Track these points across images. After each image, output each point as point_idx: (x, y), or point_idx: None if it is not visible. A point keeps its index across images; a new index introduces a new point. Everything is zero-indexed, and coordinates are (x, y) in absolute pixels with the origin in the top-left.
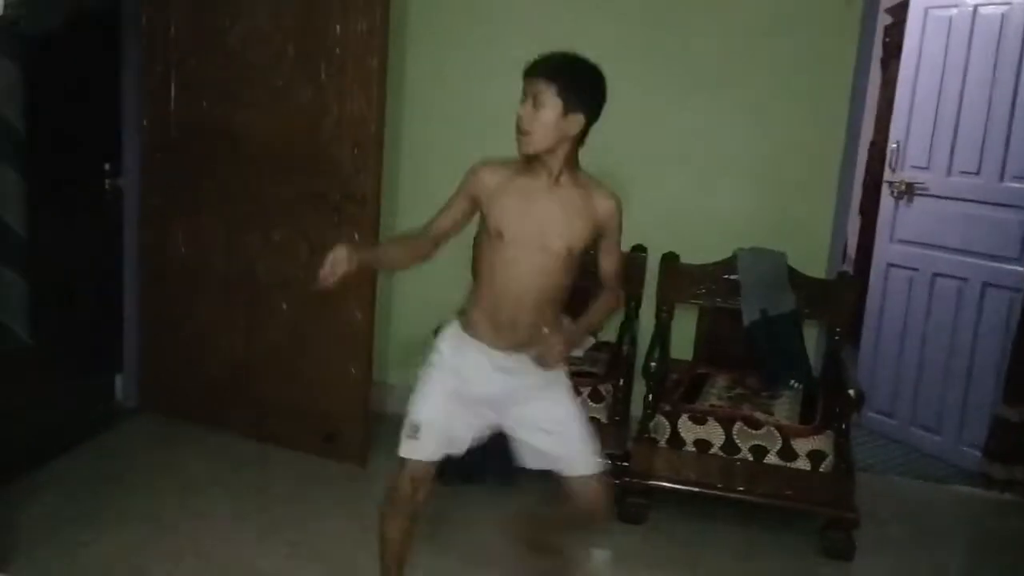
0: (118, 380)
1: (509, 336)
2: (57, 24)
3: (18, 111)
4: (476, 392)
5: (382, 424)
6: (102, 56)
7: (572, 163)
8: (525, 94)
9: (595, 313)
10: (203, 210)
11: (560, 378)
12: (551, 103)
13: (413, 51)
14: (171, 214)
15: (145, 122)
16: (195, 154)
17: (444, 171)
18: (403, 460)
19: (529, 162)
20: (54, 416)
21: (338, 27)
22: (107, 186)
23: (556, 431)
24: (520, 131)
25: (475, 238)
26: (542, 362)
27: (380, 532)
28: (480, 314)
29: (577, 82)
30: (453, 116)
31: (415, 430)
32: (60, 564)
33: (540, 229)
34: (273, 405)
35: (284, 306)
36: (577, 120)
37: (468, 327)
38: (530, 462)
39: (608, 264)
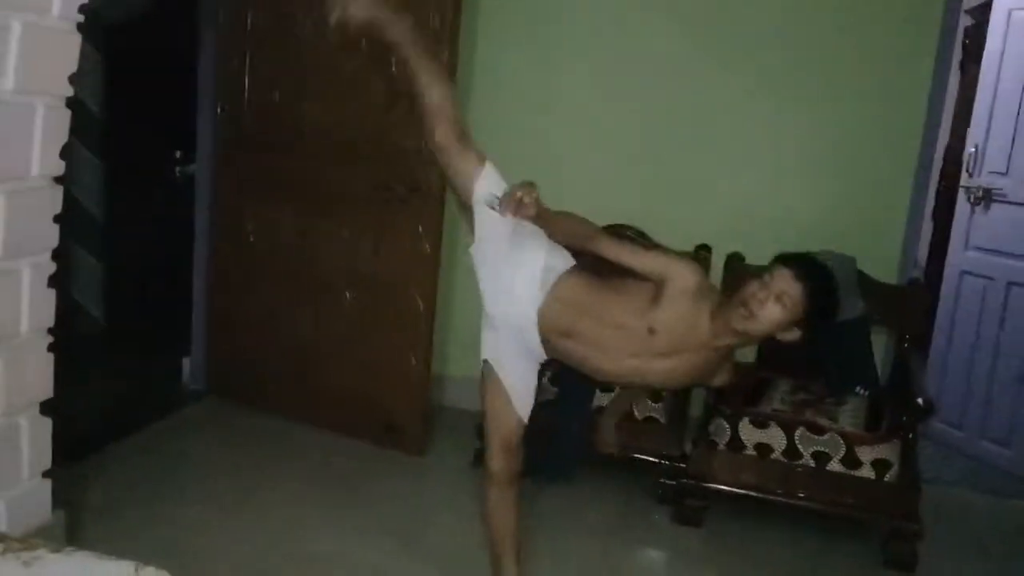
0: (186, 363)
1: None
2: (136, 13)
3: (98, 98)
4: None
5: (441, 416)
6: (179, 45)
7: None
8: (771, 279)
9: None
10: (272, 199)
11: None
12: (791, 313)
13: (482, 47)
14: (241, 202)
15: (219, 111)
16: (266, 143)
17: (507, 165)
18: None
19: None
20: (124, 396)
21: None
22: (177, 173)
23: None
24: (747, 307)
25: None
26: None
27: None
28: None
29: (821, 309)
30: (518, 111)
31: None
32: (125, 541)
33: (667, 353)
34: (335, 394)
35: (348, 296)
36: (793, 334)
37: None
38: None
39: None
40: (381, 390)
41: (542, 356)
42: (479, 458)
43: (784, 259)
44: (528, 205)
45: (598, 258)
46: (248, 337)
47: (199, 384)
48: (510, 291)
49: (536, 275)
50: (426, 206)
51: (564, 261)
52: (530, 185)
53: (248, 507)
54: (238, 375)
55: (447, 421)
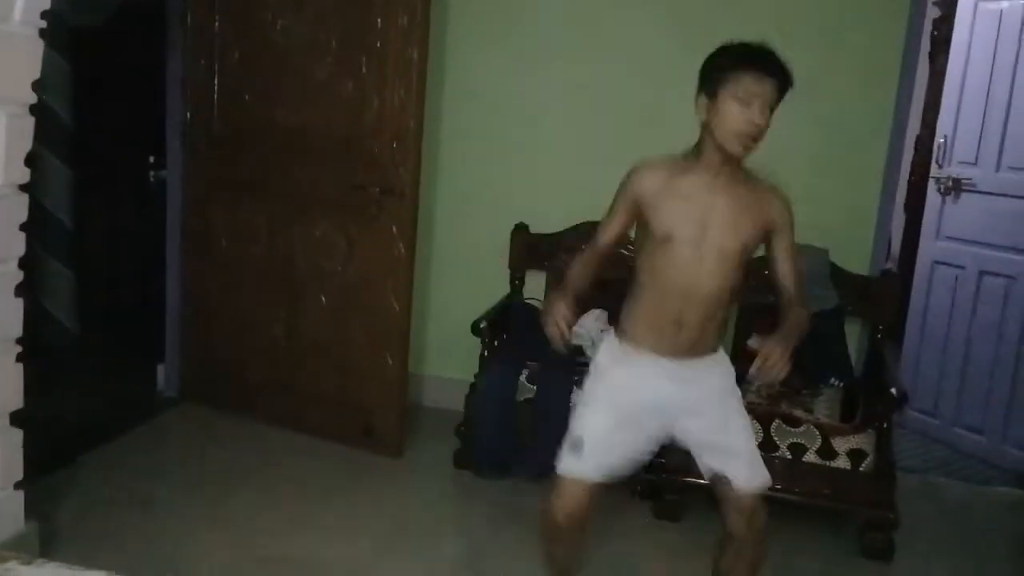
0: (160, 370)
1: (674, 337)
2: (103, 17)
3: (66, 104)
4: (643, 399)
5: (420, 416)
6: (147, 49)
7: (733, 159)
8: (751, 96)
9: (790, 330)
10: (245, 203)
11: (734, 390)
12: (771, 112)
13: (453, 45)
14: (213, 207)
15: (188, 115)
16: (237, 147)
17: (483, 166)
18: (560, 479)
19: (691, 159)
20: (98, 405)
21: (379, 20)
22: (151, 178)
23: (726, 442)
24: (753, 140)
25: (635, 243)
26: (762, 376)
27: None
28: (643, 322)
29: (787, 90)
30: (493, 110)
31: (578, 445)
32: (102, 551)
33: (713, 228)
34: (311, 396)
35: (323, 298)
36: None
37: (629, 339)
38: (704, 470)
39: (785, 269)
40: (357, 392)
41: None
42: (458, 458)
43: (760, 65)
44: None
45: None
46: (222, 342)
47: (173, 391)
48: None
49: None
50: (400, 207)
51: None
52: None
53: (224, 513)
54: (213, 381)
55: (425, 421)
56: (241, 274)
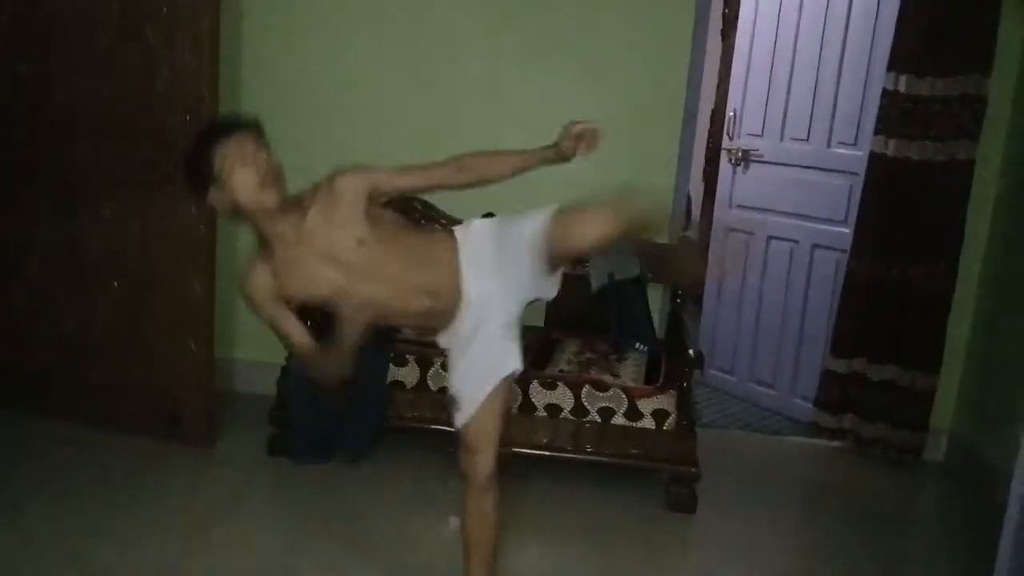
0: None
1: (437, 317)
2: None
3: None
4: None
5: (232, 403)
6: None
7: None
8: (240, 156)
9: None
10: (20, 186)
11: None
12: (266, 150)
13: (251, 12)
14: None
15: None
16: (11, 122)
17: (289, 138)
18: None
19: (263, 246)
20: None
21: None
22: None
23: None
24: (274, 180)
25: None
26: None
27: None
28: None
29: (257, 128)
30: (297, 79)
31: (454, 402)
32: None
33: (332, 258)
34: (109, 388)
35: (117, 284)
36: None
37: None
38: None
39: (417, 179)
40: (160, 381)
41: None
42: (272, 445)
43: (236, 132)
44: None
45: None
46: (11, 337)
47: None
48: None
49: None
50: None
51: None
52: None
53: (12, 523)
54: (2, 379)
55: (238, 409)
56: (22, 264)
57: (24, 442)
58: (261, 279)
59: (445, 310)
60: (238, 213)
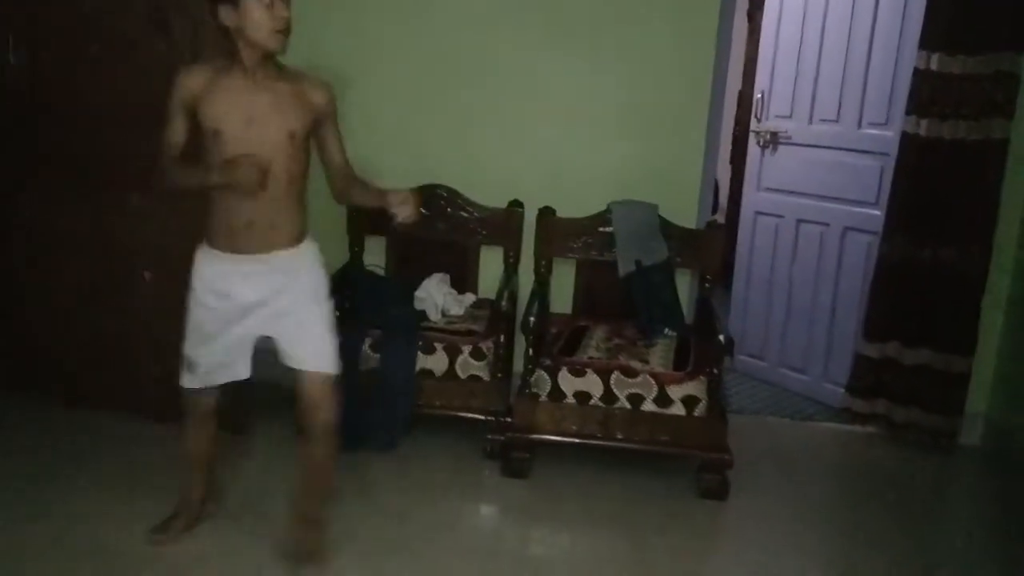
0: None
1: (248, 236)
2: None
3: None
4: (238, 303)
5: (264, 393)
6: None
7: (268, 58)
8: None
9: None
10: (51, 176)
11: (312, 278)
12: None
13: None
14: (15, 181)
15: None
16: (38, 114)
17: None
18: (186, 390)
19: (229, 63)
20: None
21: None
22: None
23: (297, 324)
24: (286, 33)
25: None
26: (403, 212)
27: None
28: (218, 223)
29: None
30: (323, 70)
31: (192, 365)
32: None
33: (257, 122)
34: (141, 377)
35: (146, 274)
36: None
37: (210, 241)
38: (283, 358)
39: (337, 153)
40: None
41: None
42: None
43: None
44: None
45: None
46: (40, 330)
47: None
48: None
49: None
50: None
51: None
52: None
53: (52, 509)
54: (33, 369)
55: (270, 398)
56: (52, 253)
57: (57, 431)
58: (194, 81)
59: (241, 244)
60: (233, 36)
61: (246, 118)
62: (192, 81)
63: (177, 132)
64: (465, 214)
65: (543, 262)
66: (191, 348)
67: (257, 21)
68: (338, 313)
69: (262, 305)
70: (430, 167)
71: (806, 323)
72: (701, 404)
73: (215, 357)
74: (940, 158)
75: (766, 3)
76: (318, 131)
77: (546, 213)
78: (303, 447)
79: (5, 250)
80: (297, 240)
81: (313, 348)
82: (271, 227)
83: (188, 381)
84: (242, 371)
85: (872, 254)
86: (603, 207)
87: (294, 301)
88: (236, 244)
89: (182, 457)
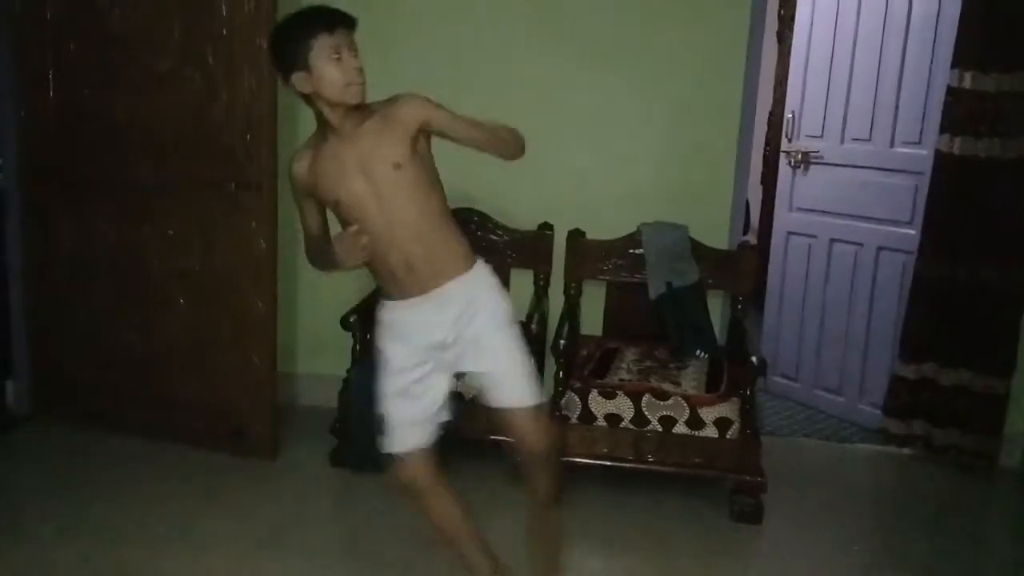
0: (9, 386)
1: (413, 278)
2: None
3: None
4: (425, 345)
5: (294, 416)
6: None
7: (352, 109)
8: (337, 49)
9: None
10: (89, 204)
11: (491, 303)
12: (355, 50)
13: None
14: (55, 208)
15: (23, 112)
16: (78, 144)
17: None
18: (393, 458)
19: (320, 131)
20: None
21: (224, 7)
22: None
23: (495, 362)
24: (361, 83)
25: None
26: None
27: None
28: (382, 274)
29: (355, 26)
30: None
31: (388, 428)
32: None
33: (364, 171)
34: (176, 403)
35: (181, 300)
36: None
37: (386, 294)
38: (486, 397)
39: (463, 131)
40: (225, 395)
41: None
42: (334, 456)
43: (334, 23)
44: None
45: None
46: (75, 352)
47: (25, 407)
48: None
49: None
50: (258, 202)
51: None
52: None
53: (87, 531)
54: (67, 394)
55: (299, 421)
56: (91, 279)
57: (90, 456)
58: (300, 167)
59: (427, 275)
60: (313, 100)
61: (354, 175)
62: (299, 168)
63: (309, 218)
64: (495, 237)
65: (573, 284)
66: (388, 408)
67: (330, 79)
68: (367, 337)
69: (449, 345)
70: (463, 191)
71: (840, 343)
72: (734, 426)
73: (412, 413)
74: (975, 177)
75: (796, 23)
76: (433, 132)
77: (576, 235)
78: (528, 485)
79: (44, 276)
80: (466, 266)
81: (508, 384)
82: (430, 261)
83: (390, 446)
84: (444, 416)
85: (907, 274)
86: (633, 229)
87: (479, 332)
88: (406, 289)
89: (440, 539)
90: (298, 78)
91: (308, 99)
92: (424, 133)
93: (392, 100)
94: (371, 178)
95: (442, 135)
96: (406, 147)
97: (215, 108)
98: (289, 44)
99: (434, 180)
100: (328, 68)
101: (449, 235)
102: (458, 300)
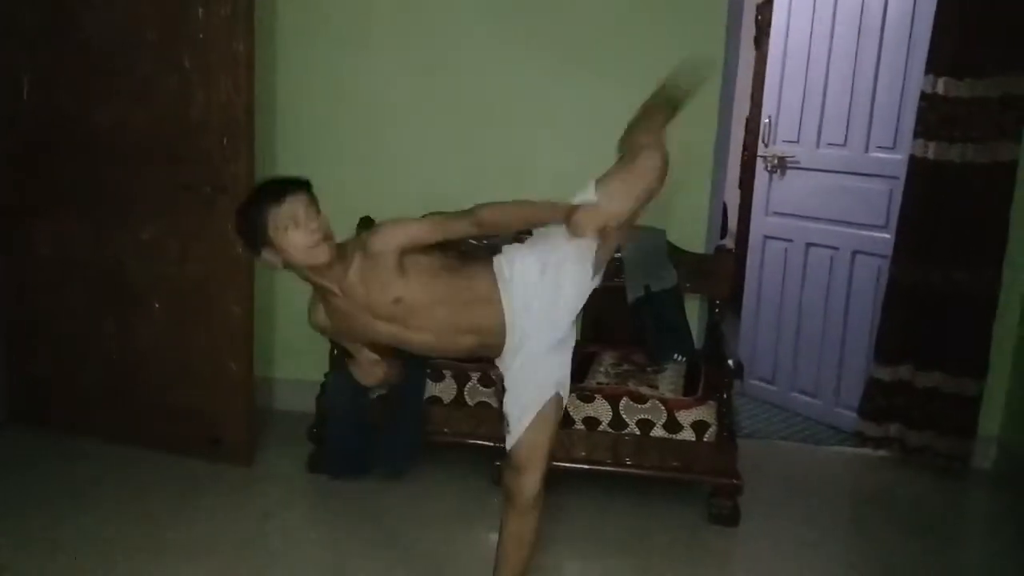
0: None
1: (485, 351)
2: None
3: None
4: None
5: (271, 420)
6: None
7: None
8: (292, 218)
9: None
10: (64, 209)
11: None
12: (316, 210)
13: (283, 36)
14: (30, 214)
15: None
16: (53, 150)
17: (323, 159)
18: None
19: (316, 293)
20: None
21: (200, 11)
22: None
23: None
24: (324, 239)
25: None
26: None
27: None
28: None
29: (309, 188)
30: (330, 101)
31: (505, 422)
32: None
33: (371, 310)
34: (152, 408)
35: (157, 304)
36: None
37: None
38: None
39: (438, 235)
40: (201, 401)
41: None
42: (312, 462)
43: (284, 194)
44: None
45: None
46: (50, 358)
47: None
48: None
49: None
50: (235, 206)
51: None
52: None
53: (61, 539)
54: (42, 400)
55: (277, 426)
56: (65, 285)
57: (65, 463)
58: (320, 318)
59: (494, 343)
60: (291, 268)
61: (370, 322)
62: (319, 320)
63: (359, 352)
64: (475, 243)
65: None
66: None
67: (293, 248)
68: None
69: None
70: (428, 193)
71: (817, 347)
72: (711, 429)
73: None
74: (949, 181)
75: (772, 29)
76: (418, 246)
77: None
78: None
79: (19, 281)
80: (499, 337)
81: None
82: (468, 348)
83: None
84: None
85: (882, 277)
86: None
87: (529, 353)
88: (492, 354)
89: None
90: (267, 254)
91: (288, 268)
92: (410, 249)
93: (363, 243)
94: (385, 316)
95: (421, 245)
96: (395, 277)
97: (192, 112)
98: (247, 226)
99: (437, 268)
100: (287, 238)
101: (478, 298)
102: (521, 333)
